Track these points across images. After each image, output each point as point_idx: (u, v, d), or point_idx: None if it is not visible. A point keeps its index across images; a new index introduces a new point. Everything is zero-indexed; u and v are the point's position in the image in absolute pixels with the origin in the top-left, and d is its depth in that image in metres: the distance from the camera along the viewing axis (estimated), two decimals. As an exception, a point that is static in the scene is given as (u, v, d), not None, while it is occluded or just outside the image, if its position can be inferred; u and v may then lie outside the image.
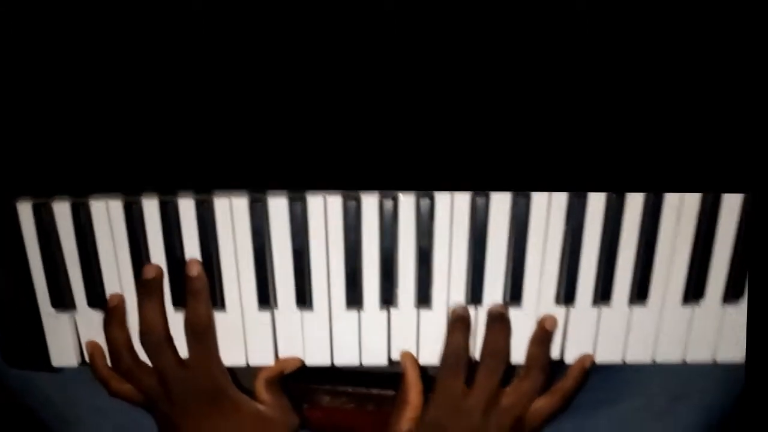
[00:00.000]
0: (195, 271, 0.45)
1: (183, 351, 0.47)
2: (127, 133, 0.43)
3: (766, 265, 0.41)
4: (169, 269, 0.46)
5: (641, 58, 0.42)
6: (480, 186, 0.44)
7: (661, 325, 0.47)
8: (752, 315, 0.43)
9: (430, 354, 0.47)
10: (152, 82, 0.42)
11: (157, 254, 0.46)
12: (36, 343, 0.47)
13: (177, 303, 0.47)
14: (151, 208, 0.45)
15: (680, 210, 0.45)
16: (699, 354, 0.48)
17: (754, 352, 0.43)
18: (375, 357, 0.48)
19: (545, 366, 0.46)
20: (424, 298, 0.46)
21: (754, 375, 0.41)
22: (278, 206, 0.45)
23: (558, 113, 0.43)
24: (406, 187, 0.44)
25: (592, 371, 0.53)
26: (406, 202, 0.45)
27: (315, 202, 0.45)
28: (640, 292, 0.46)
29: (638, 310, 0.47)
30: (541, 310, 0.47)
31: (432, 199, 0.44)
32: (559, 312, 0.47)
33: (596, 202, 0.44)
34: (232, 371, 0.48)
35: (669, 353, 0.48)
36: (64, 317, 0.47)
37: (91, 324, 0.47)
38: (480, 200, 0.44)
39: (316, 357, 0.48)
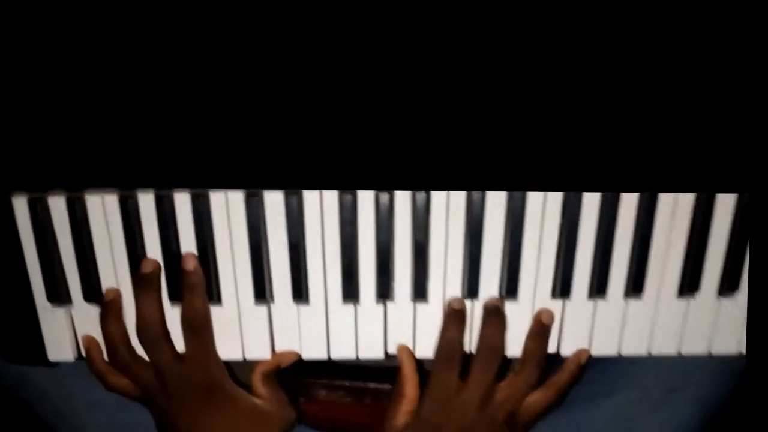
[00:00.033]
0: (191, 265, 0.45)
1: (179, 345, 0.47)
2: (125, 130, 0.43)
3: (765, 258, 0.41)
4: (165, 263, 0.46)
5: (637, 60, 0.42)
6: (475, 186, 0.44)
7: (656, 317, 0.47)
8: (752, 308, 0.44)
9: (427, 347, 0.47)
10: (149, 78, 0.42)
11: (153, 248, 0.46)
12: (32, 337, 0.47)
13: (173, 297, 0.47)
14: (146, 201, 0.45)
15: (675, 203, 0.45)
16: (694, 346, 0.48)
17: (754, 346, 0.43)
18: (371, 351, 0.48)
19: (541, 361, 0.47)
20: (420, 291, 0.46)
21: (755, 368, 0.42)
22: (274, 200, 0.45)
23: (553, 113, 0.43)
24: (401, 187, 0.44)
25: (587, 364, 0.53)
26: (402, 196, 0.45)
27: (311, 196, 0.45)
28: (635, 285, 0.46)
29: (634, 303, 0.47)
30: (537, 303, 0.47)
31: (428, 193, 0.44)
32: (554, 305, 0.47)
33: (592, 196, 0.45)
34: (229, 365, 0.48)
35: (664, 346, 0.48)
36: (60, 312, 0.47)
37: (87, 318, 0.47)
38: (476, 194, 0.44)
39: (313, 351, 0.48)
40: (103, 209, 0.45)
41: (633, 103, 0.43)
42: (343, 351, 0.48)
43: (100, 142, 0.43)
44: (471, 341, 0.47)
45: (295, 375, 0.54)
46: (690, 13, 0.41)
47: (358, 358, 0.48)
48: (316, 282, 0.46)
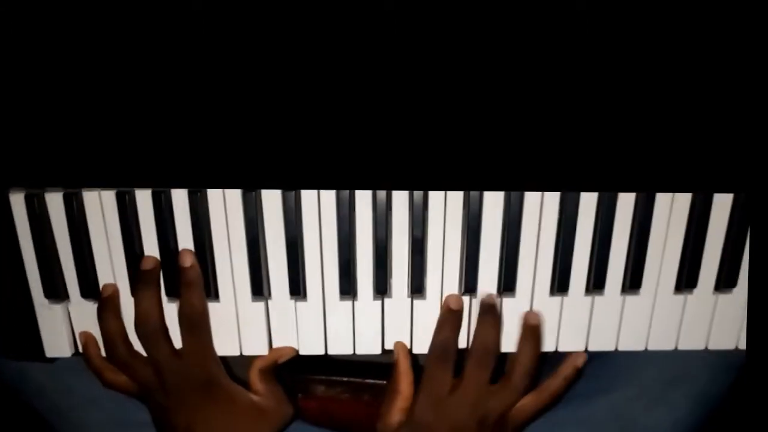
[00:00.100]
0: (188, 261, 0.45)
1: (177, 341, 0.47)
2: (123, 129, 0.43)
3: (765, 255, 0.42)
4: (162, 259, 0.46)
5: (635, 61, 0.42)
6: (472, 186, 0.44)
7: (653, 313, 0.47)
8: (752, 304, 0.44)
9: (424, 343, 0.47)
10: (147, 77, 0.42)
11: (150, 244, 0.46)
12: (29, 333, 0.47)
13: (170, 293, 0.47)
14: (143, 198, 0.45)
15: (673, 199, 0.45)
16: (691, 342, 0.48)
17: (754, 341, 0.43)
18: (369, 346, 0.48)
19: (533, 364, 0.46)
20: (417, 287, 0.46)
21: (754, 363, 0.42)
22: (271, 196, 0.45)
23: (551, 113, 0.43)
24: (399, 187, 0.44)
25: (586, 360, 0.53)
26: (400, 192, 0.45)
27: (308, 192, 0.44)
28: (633, 281, 0.46)
29: (631, 299, 0.47)
30: (535, 299, 0.47)
31: (425, 188, 0.44)
32: (552, 301, 0.47)
33: (590, 192, 0.45)
34: (225, 361, 0.48)
35: (662, 341, 0.48)
36: (57, 308, 0.47)
37: (84, 314, 0.47)
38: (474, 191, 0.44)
39: (310, 346, 0.48)
40: (100, 205, 0.45)
41: (630, 104, 0.42)
42: (340, 347, 0.48)
43: (97, 140, 0.43)
44: (468, 337, 0.47)
45: (294, 371, 0.54)
46: (688, 13, 0.41)
47: (355, 353, 0.48)
48: (314, 278, 0.46)
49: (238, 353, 0.48)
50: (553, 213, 0.45)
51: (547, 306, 0.47)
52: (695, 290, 0.47)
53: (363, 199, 0.45)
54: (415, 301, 0.47)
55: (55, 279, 0.46)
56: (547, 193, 0.45)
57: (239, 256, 0.46)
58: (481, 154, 0.43)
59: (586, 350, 0.48)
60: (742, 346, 0.48)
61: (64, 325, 0.47)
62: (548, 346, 0.48)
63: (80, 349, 0.48)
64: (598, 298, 0.47)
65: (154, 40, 0.41)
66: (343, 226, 0.45)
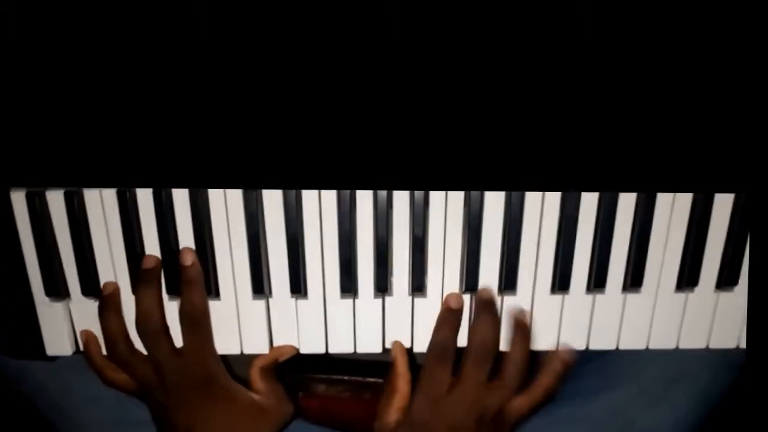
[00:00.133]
0: (189, 260, 0.45)
1: (177, 339, 0.47)
2: (124, 129, 0.43)
3: (765, 254, 0.41)
4: (162, 257, 0.46)
5: (635, 62, 0.41)
6: (474, 186, 0.44)
7: (655, 312, 0.47)
8: (752, 303, 0.44)
9: (425, 342, 0.47)
10: (148, 77, 0.42)
11: (151, 242, 0.46)
12: (30, 331, 0.47)
13: (171, 291, 0.47)
14: (144, 196, 0.45)
15: (675, 197, 0.45)
16: (692, 340, 0.48)
17: (754, 340, 0.43)
18: (369, 345, 0.48)
19: (525, 362, 0.46)
20: (418, 286, 0.46)
21: (754, 362, 0.42)
22: (272, 194, 0.45)
23: (552, 114, 0.43)
24: (401, 188, 0.44)
25: (586, 359, 0.53)
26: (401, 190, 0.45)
27: (309, 190, 0.44)
28: (634, 280, 0.46)
29: (632, 297, 0.47)
30: (536, 298, 0.47)
31: (426, 186, 0.44)
32: (553, 300, 0.47)
33: (591, 192, 0.44)
34: (225, 360, 0.48)
35: (663, 340, 0.48)
36: (58, 306, 0.47)
37: (85, 313, 0.47)
38: (474, 188, 0.44)
39: (311, 345, 0.48)
40: (101, 203, 0.45)
41: (631, 104, 0.42)
42: (341, 345, 0.48)
43: (99, 140, 0.43)
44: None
45: (294, 370, 0.54)
46: (688, 13, 0.41)
47: (355, 351, 0.48)
48: (315, 276, 0.46)
49: (238, 351, 0.48)
50: (554, 211, 0.45)
51: (548, 304, 0.47)
52: (696, 289, 0.47)
53: (364, 197, 0.45)
54: (415, 300, 0.47)
55: (56, 277, 0.46)
56: (548, 193, 0.45)
57: (240, 253, 0.46)
58: (483, 155, 0.43)
59: (586, 349, 0.48)
60: (743, 345, 0.48)
61: (65, 324, 0.48)
62: (549, 344, 0.48)
63: (81, 348, 0.48)
64: (599, 297, 0.47)
65: (156, 40, 0.41)
66: (343, 224, 0.45)
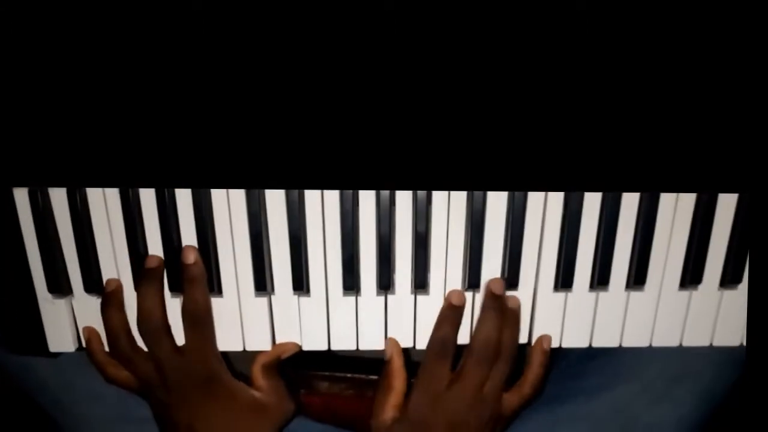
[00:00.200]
0: (192, 258, 0.45)
1: (179, 337, 0.47)
2: (127, 130, 0.43)
3: (766, 253, 0.41)
4: (165, 254, 0.46)
5: (637, 63, 0.41)
6: (477, 186, 0.44)
7: (658, 309, 0.47)
8: (752, 301, 0.43)
9: (427, 339, 0.47)
10: (153, 80, 0.42)
11: (153, 239, 0.46)
12: (33, 328, 0.47)
13: (173, 288, 0.47)
14: (147, 192, 0.45)
15: (678, 195, 0.45)
16: (696, 338, 0.48)
17: (754, 338, 0.43)
18: (372, 342, 0.48)
19: (514, 352, 0.46)
20: (421, 283, 0.46)
21: (755, 360, 0.42)
22: (275, 191, 0.44)
23: (555, 114, 0.42)
24: (403, 188, 0.44)
25: (589, 357, 0.53)
26: (403, 186, 0.45)
27: (312, 187, 0.44)
28: (637, 277, 0.46)
29: (636, 295, 0.47)
30: (538, 295, 0.47)
31: (429, 183, 0.44)
32: (556, 297, 0.47)
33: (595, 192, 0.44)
34: (227, 357, 0.48)
35: (666, 337, 0.48)
36: (60, 302, 0.47)
37: (87, 309, 0.47)
38: (477, 184, 0.44)
39: (314, 342, 0.48)
40: (103, 200, 0.45)
41: (635, 106, 0.42)
42: (343, 342, 0.48)
43: (101, 141, 0.43)
44: (472, 333, 0.47)
45: (297, 367, 0.54)
46: (691, 13, 0.40)
47: (358, 348, 0.48)
48: (317, 273, 0.46)
49: (241, 348, 0.48)
50: (558, 208, 0.45)
51: (551, 302, 0.47)
52: (700, 286, 0.47)
53: (367, 194, 0.45)
54: (418, 297, 0.47)
55: (59, 274, 0.46)
56: (551, 190, 0.45)
57: (242, 250, 0.46)
58: (486, 156, 0.43)
59: (589, 346, 0.48)
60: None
61: (67, 320, 0.47)
62: (552, 342, 0.48)
63: (83, 344, 0.48)
64: (602, 294, 0.47)
65: (160, 40, 0.41)
66: (346, 221, 0.45)
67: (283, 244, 0.45)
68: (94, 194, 0.45)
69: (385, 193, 0.44)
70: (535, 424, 0.52)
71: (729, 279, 0.47)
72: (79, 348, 0.49)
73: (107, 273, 0.47)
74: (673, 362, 0.50)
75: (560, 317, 0.47)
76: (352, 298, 0.47)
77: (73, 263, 0.46)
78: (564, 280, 0.46)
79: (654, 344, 0.48)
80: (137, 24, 0.41)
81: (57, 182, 0.44)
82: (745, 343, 0.48)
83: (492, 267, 0.46)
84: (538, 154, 0.43)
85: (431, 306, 0.47)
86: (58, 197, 0.45)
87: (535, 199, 0.45)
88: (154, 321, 0.45)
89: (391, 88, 0.42)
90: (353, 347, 0.48)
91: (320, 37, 0.41)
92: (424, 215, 0.45)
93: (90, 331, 0.48)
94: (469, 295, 0.47)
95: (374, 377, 0.55)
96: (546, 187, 0.44)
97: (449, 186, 0.44)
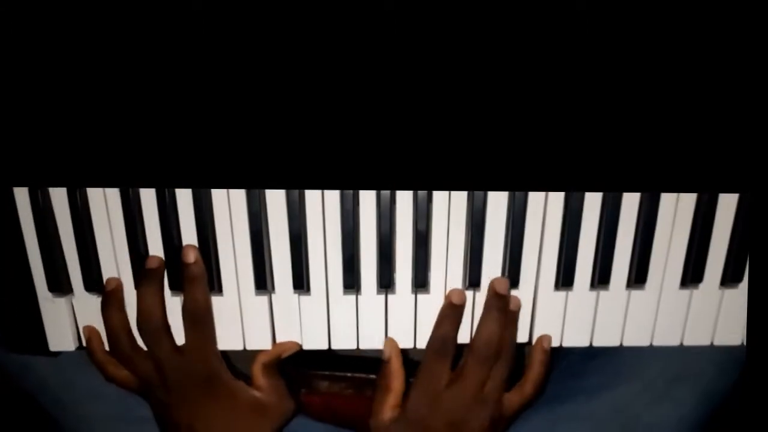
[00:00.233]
0: (192, 257, 0.45)
1: (180, 336, 0.47)
2: (126, 130, 0.43)
3: (766, 251, 0.41)
4: (165, 252, 0.46)
5: (637, 64, 0.41)
6: (476, 186, 0.44)
7: (659, 308, 0.47)
8: (753, 300, 0.43)
9: (427, 338, 0.47)
10: (151, 78, 0.42)
11: (154, 237, 0.45)
12: (33, 327, 0.47)
13: (174, 287, 0.47)
14: (147, 191, 0.45)
15: (679, 193, 0.45)
16: (697, 337, 0.48)
17: (754, 337, 0.43)
18: (372, 341, 0.48)
19: (513, 351, 0.46)
20: (421, 282, 0.46)
21: (755, 360, 0.42)
22: (275, 190, 0.44)
23: (556, 114, 0.42)
24: (403, 188, 0.44)
25: (590, 356, 0.53)
26: (404, 185, 0.44)
27: (312, 185, 0.44)
28: (638, 276, 0.46)
29: (636, 294, 0.47)
30: (539, 294, 0.47)
31: (429, 182, 0.44)
32: (557, 296, 0.47)
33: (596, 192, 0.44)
34: (226, 356, 0.48)
35: (667, 336, 0.48)
36: (60, 301, 0.47)
37: (88, 308, 0.47)
38: (478, 183, 0.44)
39: (314, 341, 0.48)
40: (104, 198, 0.45)
41: (635, 105, 0.42)
42: (344, 341, 0.48)
43: (101, 141, 0.43)
44: (471, 332, 0.47)
45: (298, 366, 0.54)
46: (691, 13, 0.40)
47: (358, 348, 0.48)
48: (317, 272, 0.46)
49: (241, 347, 0.48)
50: (558, 207, 0.45)
51: (552, 301, 0.47)
52: (701, 285, 0.47)
53: (367, 193, 0.45)
54: (418, 296, 0.47)
55: (59, 272, 0.46)
56: (551, 188, 0.45)
57: (243, 249, 0.46)
58: (487, 156, 0.43)
59: (590, 345, 0.48)
60: (748, 342, 0.48)
61: (67, 319, 0.47)
62: (553, 341, 0.48)
63: (84, 343, 0.48)
64: (603, 293, 0.47)
65: (160, 40, 0.41)
66: (346, 220, 0.45)
67: (283, 243, 0.45)
68: (94, 193, 0.45)
69: (386, 192, 0.44)
70: (536, 423, 0.52)
71: (730, 278, 0.46)
72: (80, 347, 0.49)
73: (107, 272, 0.46)
74: (673, 361, 0.50)
75: (561, 316, 0.47)
76: (352, 297, 0.47)
77: (74, 262, 0.46)
78: (564, 279, 0.46)
79: (655, 343, 0.48)
80: (137, 24, 0.41)
81: (57, 182, 0.44)
82: (745, 343, 0.48)
83: (492, 266, 0.46)
84: (538, 154, 0.43)
85: (432, 305, 0.47)
86: (59, 197, 0.45)
87: (535, 197, 0.44)
88: (153, 321, 0.45)
89: (391, 88, 0.42)
90: (353, 346, 0.48)
91: (320, 37, 0.41)
92: (424, 214, 0.45)
93: (90, 330, 0.48)
94: (469, 294, 0.46)
95: (374, 376, 0.55)
96: (546, 187, 0.44)
97: (449, 186, 0.44)
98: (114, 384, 0.48)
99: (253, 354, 0.48)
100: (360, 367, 0.55)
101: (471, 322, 0.47)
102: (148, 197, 0.45)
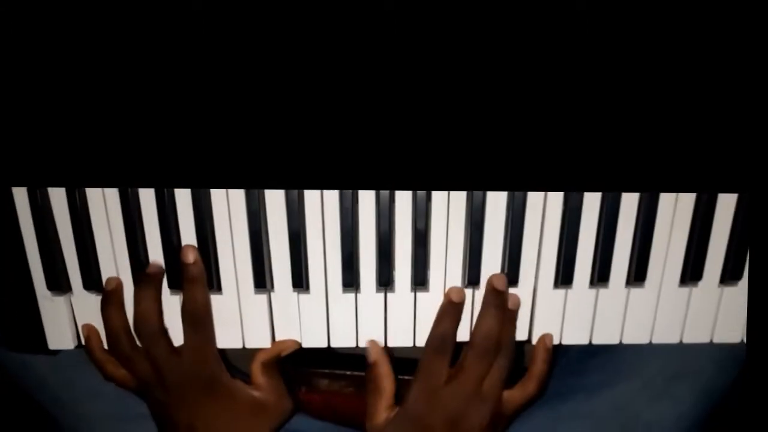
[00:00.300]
0: (191, 257, 0.45)
1: (178, 335, 0.47)
2: (126, 130, 0.43)
3: (765, 250, 0.41)
4: (164, 252, 0.46)
5: (638, 64, 0.41)
6: (476, 186, 0.44)
7: (658, 306, 0.47)
8: (752, 299, 0.43)
9: (426, 336, 0.47)
10: (151, 79, 0.42)
11: (153, 235, 0.45)
12: (32, 325, 0.47)
13: (173, 286, 0.47)
14: (146, 190, 0.44)
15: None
16: (696, 335, 0.48)
17: (754, 335, 0.43)
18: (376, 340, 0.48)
19: (512, 347, 0.46)
20: (420, 280, 0.46)
21: (755, 358, 0.42)
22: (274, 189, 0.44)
23: (555, 114, 0.42)
24: (403, 188, 0.44)
25: (590, 355, 0.53)
26: (403, 183, 0.44)
27: (311, 183, 0.44)
28: (637, 274, 0.46)
29: (636, 292, 0.47)
30: (538, 291, 0.47)
31: (428, 180, 0.44)
32: (556, 293, 0.47)
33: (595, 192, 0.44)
34: (225, 355, 0.48)
35: (666, 334, 0.48)
36: (60, 300, 0.47)
37: (87, 306, 0.47)
38: (477, 181, 0.44)
39: (313, 339, 0.48)
40: (102, 197, 0.45)
41: (634, 105, 0.42)
42: (343, 340, 0.48)
43: (101, 142, 0.43)
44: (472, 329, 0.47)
45: (297, 365, 0.54)
46: (691, 13, 0.40)
47: (358, 346, 0.48)
48: (317, 270, 0.46)
49: (240, 345, 0.48)
50: (558, 205, 0.45)
51: (551, 298, 0.47)
52: (700, 283, 0.47)
53: (366, 192, 0.45)
54: (418, 294, 0.47)
55: (58, 271, 0.46)
56: (551, 187, 0.44)
57: (242, 247, 0.46)
58: (486, 156, 0.43)
59: (590, 343, 0.48)
60: (748, 339, 0.48)
61: (66, 317, 0.47)
62: (553, 339, 0.48)
63: (83, 342, 0.48)
64: (602, 291, 0.47)
65: (159, 40, 0.41)
66: (346, 218, 0.45)
67: (282, 241, 0.45)
68: (93, 193, 0.45)
69: (385, 190, 0.44)
70: (536, 421, 0.52)
71: (729, 275, 0.46)
72: (79, 345, 0.49)
73: (106, 270, 0.46)
74: (673, 359, 0.50)
75: (560, 314, 0.47)
76: (351, 296, 0.47)
77: (72, 260, 0.46)
78: (564, 276, 0.46)
79: (654, 341, 0.48)
80: (137, 24, 0.41)
81: (57, 182, 0.44)
82: (745, 340, 0.48)
83: (492, 264, 0.46)
84: (537, 154, 0.43)
85: (431, 303, 0.47)
86: (58, 196, 0.45)
87: (535, 195, 0.44)
88: (150, 325, 0.45)
89: (390, 88, 0.42)
90: (353, 344, 0.48)
91: (320, 37, 0.41)
92: (423, 212, 0.45)
93: (89, 329, 0.48)
94: (468, 292, 0.46)
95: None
96: (546, 187, 0.44)
97: (449, 186, 0.44)
98: (112, 382, 0.48)
99: (253, 352, 0.48)
100: (359, 365, 0.55)
101: (470, 320, 0.47)
102: (147, 196, 0.45)
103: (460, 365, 0.45)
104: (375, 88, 0.42)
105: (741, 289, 0.47)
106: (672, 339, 0.48)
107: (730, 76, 0.41)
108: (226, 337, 0.47)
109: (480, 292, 0.46)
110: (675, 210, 0.45)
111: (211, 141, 0.43)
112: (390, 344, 0.48)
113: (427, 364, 0.46)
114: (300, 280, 0.46)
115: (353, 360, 0.56)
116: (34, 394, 0.53)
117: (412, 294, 0.47)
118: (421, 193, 0.44)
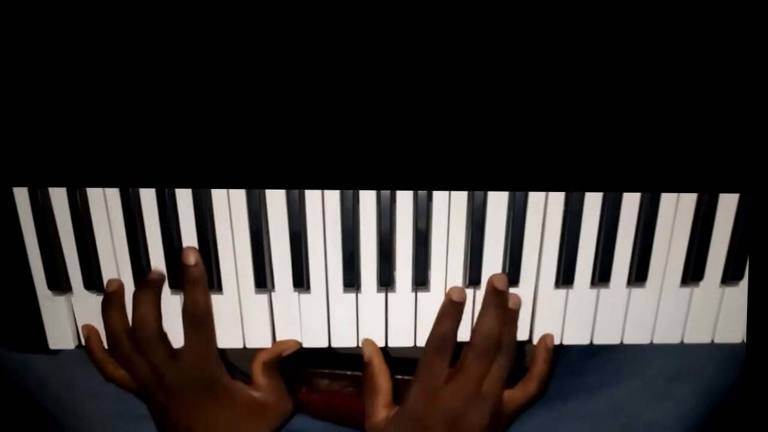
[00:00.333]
0: (192, 259, 0.45)
1: (179, 335, 0.47)
2: (126, 130, 0.43)
3: (766, 251, 0.41)
4: (165, 251, 0.46)
5: (638, 65, 0.41)
6: (476, 186, 0.44)
7: (659, 306, 0.47)
8: (753, 299, 0.43)
9: (427, 336, 0.47)
10: (151, 79, 0.42)
11: (154, 235, 0.45)
12: (33, 325, 0.47)
13: (173, 286, 0.46)
14: (147, 189, 0.44)
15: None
16: (697, 335, 0.48)
17: (754, 335, 0.43)
18: (373, 339, 0.48)
19: (514, 347, 0.46)
20: (421, 280, 0.46)
21: (755, 357, 0.41)
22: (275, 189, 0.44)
23: (556, 114, 0.42)
24: (403, 188, 0.44)
25: (591, 354, 0.53)
26: (404, 183, 0.44)
27: (312, 183, 0.44)
28: (638, 274, 0.46)
29: (637, 292, 0.47)
30: (539, 291, 0.47)
31: (429, 180, 0.44)
32: (557, 294, 0.47)
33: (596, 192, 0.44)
34: (225, 355, 0.48)
35: (667, 334, 0.48)
36: (60, 300, 0.47)
37: (87, 306, 0.47)
38: (478, 181, 0.44)
39: (314, 339, 0.48)
40: (103, 197, 0.45)
41: (635, 105, 0.42)
42: (344, 339, 0.48)
43: (101, 142, 0.43)
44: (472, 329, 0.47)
45: (297, 364, 0.54)
46: (691, 13, 0.40)
47: (358, 346, 0.48)
48: (317, 270, 0.46)
49: (241, 345, 0.48)
50: (559, 205, 0.45)
51: (552, 298, 0.47)
52: (701, 283, 0.47)
53: (367, 192, 0.44)
54: (418, 294, 0.47)
55: (59, 271, 0.46)
56: (552, 187, 0.44)
57: (243, 247, 0.46)
58: (487, 156, 0.43)
59: (591, 343, 0.48)
60: (749, 339, 0.48)
61: (67, 317, 0.47)
62: (554, 339, 0.48)
63: (83, 342, 0.48)
64: (603, 291, 0.47)
65: (160, 40, 0.41)
66: (346, 218, 0.45)
67: (283, 241, 0.45)
68: (94, 193, 0.45)
69: (386, 190, 0.44)
70: (537, 421, 0.52)
71: (730, 276, 0.46)
72: (79, 345, 0.49)
73: (107, 270, 0.46)
74: (674, 359, 0.50)
75: (561, 314, 0.47)
76: (352, 296, 0.47)
77: (73, 260, 0.46)
78: (565, 276, 0.46)
79: (655, 341, 0.48)
80: (137, 24, 0.41)
81: (57, 182, 0.44)
82: (746, 340, 0.48)
83: (493, 264, 0.46)
84: (538, 154, 0.43)
85: (432, 303, 0.47)
86: (58, 196, 0.45)
87: (536, 195, 0.44)
88: (148, 329, 0.45)
89: (391, 88, 0.42)
90: (353, 344, 0.48)
91: (320, 37, 0.41)
92: (424, 212, 0.45)
93: (89, 329, 0.48)
94: (469, 292, 0.46)
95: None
96: (546, 187, 0.44)
97: (450, 186, 0.44)
98: (113, 383, 0.48)
99: (253, 352, 0.48)
100: (360, 365, 0.55)
101: (471, 320, 0.47)
102: (147, 196, 0.45)
103: (461, 365, 0.45)
104: (376, 88, 0.42)
105: (742, 290, 0.47)
106: (673, 339, 0.48)
107: (731, 76, 0.41)
108: (226, 337, 0.47)
109: (481, 292, 0.46)
110: (676, 210, 0.45)
111: (212, 141, 0.43)
112: (391, 344, 0.48)
113: (428, 363, 0.46)
114: (301, 280, 0.46)
115: (353, 360, 0.56)
116: (35, 393, 0.53)
117: (413, 294, 0.47)
118: (422, 193, 0.44)
